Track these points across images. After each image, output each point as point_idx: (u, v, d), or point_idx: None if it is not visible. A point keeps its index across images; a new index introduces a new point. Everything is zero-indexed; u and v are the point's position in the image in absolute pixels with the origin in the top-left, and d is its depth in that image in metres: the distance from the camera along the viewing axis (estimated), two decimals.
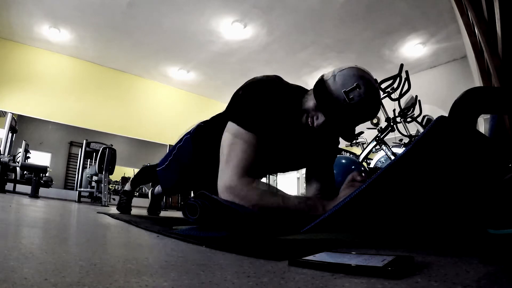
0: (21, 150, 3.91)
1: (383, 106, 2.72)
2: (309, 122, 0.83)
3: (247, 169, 0.75)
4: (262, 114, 0.80)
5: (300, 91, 0.91)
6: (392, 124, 2.76)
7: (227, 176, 0.75)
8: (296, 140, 0.91)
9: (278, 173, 1.16)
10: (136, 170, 5.23)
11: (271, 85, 0.84)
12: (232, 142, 0.78)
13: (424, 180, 0.51)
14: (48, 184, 3.96)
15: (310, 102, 0.83)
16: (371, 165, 3.26)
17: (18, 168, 3.86)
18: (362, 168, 2.09)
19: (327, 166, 1.05)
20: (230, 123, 0.82)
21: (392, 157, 2.73)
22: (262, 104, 0.81)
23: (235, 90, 0.89)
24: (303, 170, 1.09)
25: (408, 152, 0.45)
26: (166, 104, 5.86)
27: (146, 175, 1.69)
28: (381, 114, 3.01)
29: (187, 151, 1.07)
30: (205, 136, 1.04)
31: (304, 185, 1.06)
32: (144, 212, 2.02)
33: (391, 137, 3.16)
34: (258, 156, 0.78)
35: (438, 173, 0.49)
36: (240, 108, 0.83)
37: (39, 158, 4.73)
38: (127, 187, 1.77)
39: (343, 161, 2.14)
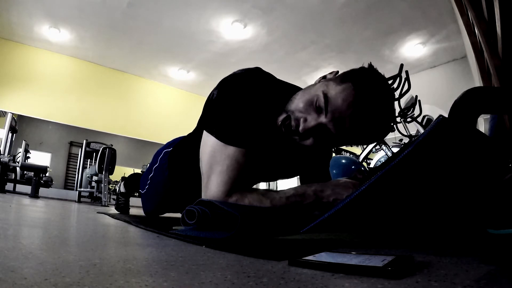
0: (21, 150, 3.91)
1: None
2: (292, 125, 0.68)
3: (231, 185, 0.68)
4: (241, 122, 0.68)
5: (288, 87, 0.78)
6: (392, 124, 2.77)
7: (210, 195, 0.68)
8: (285, 146, 0.79)
9: (267, 182, 1.09)
10: (136, 171, 5.23)
11: (250, 83, 0.71)
12: (211, 158, 0.69)
13: (424, 180, 0.51)
14: (48, 184, 3.96)
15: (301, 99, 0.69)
16: (371, 165, 3.27)
17: (18, 168, 3.86)
18: (362, 168, 2.09)
19: (322, 171, 0.98)
20: (206, 134, 0.71)
21: None
22: (241, 110, 0.68)
23: None
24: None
25: (409, 154, 0.45)
26: (166, 104, 5.86)
27: (135, 183, 1.68)
28: None
29: (162, 179, 1.02)
30: (179, 163, 0.97)
31: None
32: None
33: (391, 137, 3.17)
34: (242, 169, 0.69)
35: (438, 173, 0.49)
36: (216, 116, 0.70)
37: (39, 158, 4.74)
38: (122, 188, 1.77)
39: (343, 161, 2.14)
